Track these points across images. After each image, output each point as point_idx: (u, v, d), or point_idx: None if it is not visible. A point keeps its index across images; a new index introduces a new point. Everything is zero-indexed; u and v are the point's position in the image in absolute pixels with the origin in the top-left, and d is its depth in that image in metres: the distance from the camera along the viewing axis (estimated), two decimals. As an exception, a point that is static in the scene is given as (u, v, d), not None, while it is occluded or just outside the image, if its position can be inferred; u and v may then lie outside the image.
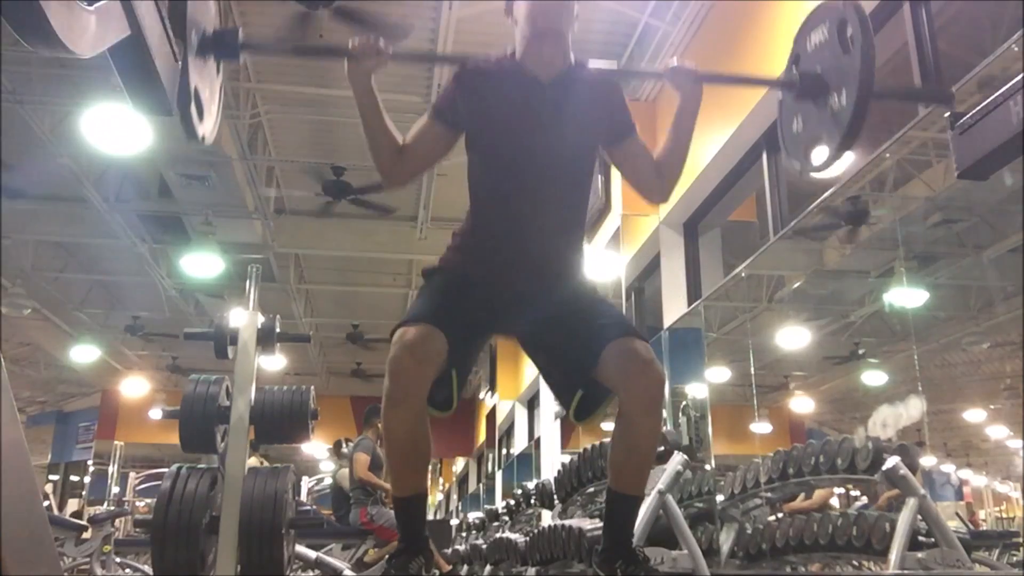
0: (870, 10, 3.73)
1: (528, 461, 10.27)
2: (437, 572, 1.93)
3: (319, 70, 6.47)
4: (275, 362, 9.85)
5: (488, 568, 5.97)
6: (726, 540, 4.18)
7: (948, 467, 12.58)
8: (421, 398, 1.74)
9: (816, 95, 1.83)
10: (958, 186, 4.31)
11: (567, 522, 4.15)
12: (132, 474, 11.96)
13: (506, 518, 7.22)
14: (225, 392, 3.11)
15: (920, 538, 3.13)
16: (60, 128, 6.73)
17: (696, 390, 5.03)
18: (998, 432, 12.30)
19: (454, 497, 19.54)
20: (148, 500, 10.92)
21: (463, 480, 18.71)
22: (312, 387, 3.35)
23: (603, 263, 6.31)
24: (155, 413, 13.27)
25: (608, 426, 1.95)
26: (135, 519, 8.48)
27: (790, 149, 2.00)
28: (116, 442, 12.19)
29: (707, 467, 4.60)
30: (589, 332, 1.85)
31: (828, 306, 8.07)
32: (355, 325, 12.24)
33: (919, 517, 3.06)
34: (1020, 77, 1.54)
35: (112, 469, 11.76)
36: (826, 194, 4.02)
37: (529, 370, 10.21)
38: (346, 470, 6.28)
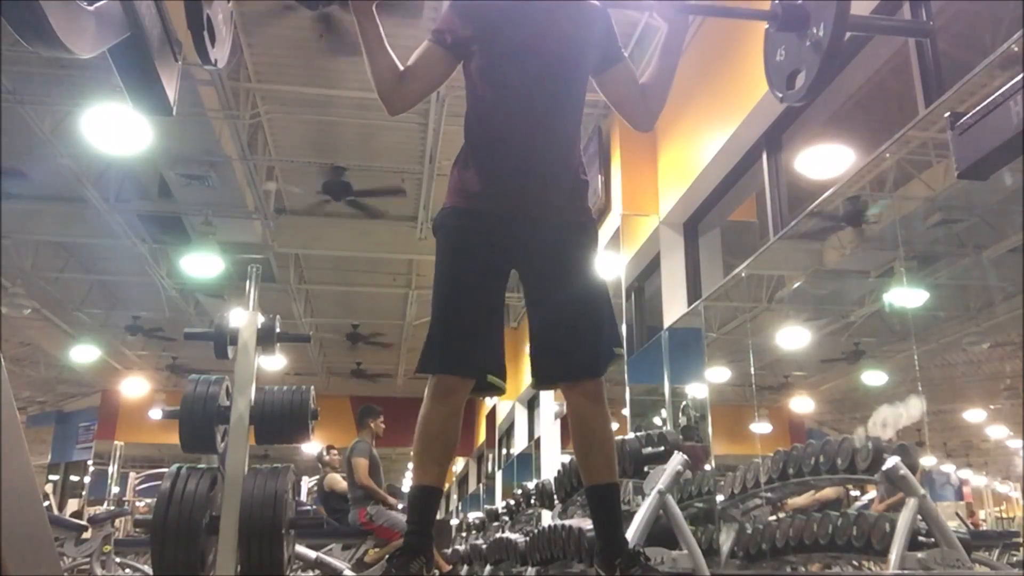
0: (870, 10, 3.74)
1: (528, 461, 10.27)
2: (437, 572, 1.95)
3: (319, 70, 6.47)
4: (275, 362, 9.86)
5: (488, 568, 5.97)
6: (726, 540, 4.18)
7: (948, 467, 12.57)
8: (463, 395, 1.88)
9: (797, 26, 1.90)
10: (958, 186, 4.31)
11: (567, 522, 4.14)
12: (132, 474, 11.97)
13: (506, 518, 7.22)
14: (225, 392, 3.11)
15: (920, 538, 3.13)
16: (60, 128, 6.73)
17: (696, 390, 5.03)
18: (998, 432, 12.29)
19: (454, 497, 19.53)
20: (148, 500, 10.93)
21: (463, 480, 18.71)
22: (312, 387, 3.35)
23: (603, 263, 6.31)
24: (155, 413, 13.27)
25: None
26: (135, 519, 8.49)
27: (774, 79, 2.05)
28: (116, 442, 12.20)
29: (705, 467, 4.60)
30: (571, 343, 1.94)
31: (828, 306, 8.06)
32: (355, 325, 12.24)
33: (919, 517, 3.06)
34: (1020, 77, 1.54)
35: (112, 469, 11.77)
36: (826, 194, 4.02)
37: (529, 370, 10.20)
38: (334, 475, 6.29)
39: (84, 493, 14.44)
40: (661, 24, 2.06)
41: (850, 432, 4.43)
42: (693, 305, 5.35)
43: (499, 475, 12.69)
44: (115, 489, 11.59)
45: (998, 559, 5.14)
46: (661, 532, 3.56)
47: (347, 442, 6.17)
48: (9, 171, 7.18)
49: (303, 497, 10.11)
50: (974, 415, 11.80)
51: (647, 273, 6.58)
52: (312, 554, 4.96)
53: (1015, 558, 5.07)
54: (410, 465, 12.70)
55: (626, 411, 5.88)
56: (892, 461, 3.14)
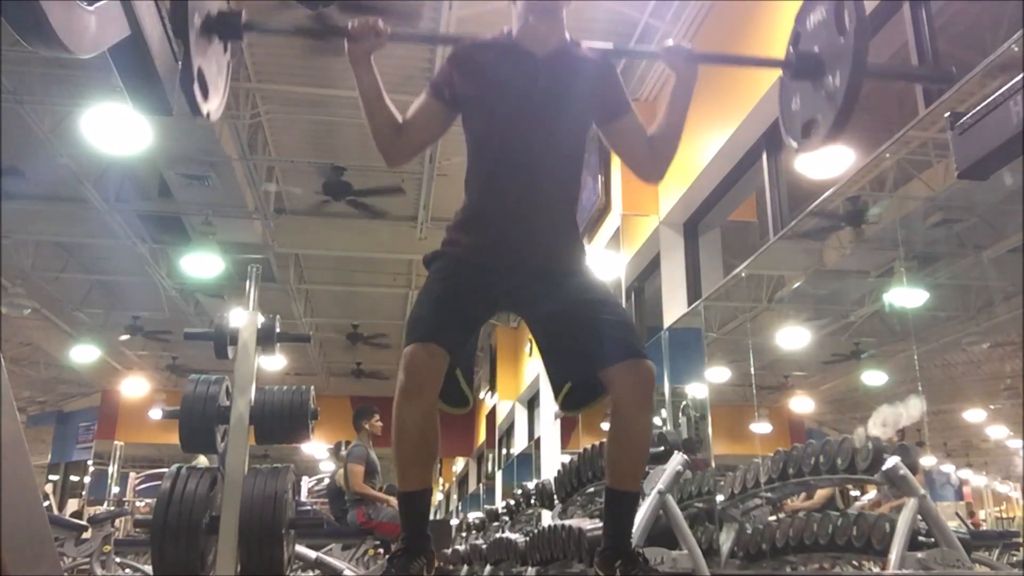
0: (870, 10, 3.73)
1: (528, 461, 10.27)
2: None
3: (319, 70, 6.47)
4: (275, 362, 9.85)
5: (488, 568, 5.96)
6: (726, 540, 4.18)
7: (948, 467, 12.56)
8: (434, 392, 1.79)
9: (812, 75, 1.86)
10: (958, 186, 4.31)
11: (567, 522, 4.14)
12: (132, 474, 11.97)
13: (506, 518, 7.22)
14: (225, 392, 3.11)
15: (920, 538, 3.13)
16: (60, 128, 6.73)
17: (696, 390, 5.03)
18: (998, 432, 12.29)
19: (454, 497, 19.53)
20: (148, 500, 10.93)
21: (463, 480, 18.71)
22: (312, 387, 3.35)
23: (603, 263, 6.31)
24: (155, 413, 13.27)
25: (607, 426, 1.95)
26: (135, 519, 8.48)
27: (788, 127, 2.03)
28: (116, 442, 12.21)
29: (709, 467, 4.60)
30: (596, 342, 1.85)
31: (828, 306, 8.07)
32: (355, 325, 12.24)
33: (919, 517, 3.06)
34: (1020, 77, 1.54)
35: (112, 469, 11.77)
36: (826, 194, 4.02)
37: (529, 370, 10.21)
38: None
39: (84, 493, 14.44)
40: (670, 72, 2.02)
41: (850, 432, 4.43)
42: (693, 305, 5.35)
43: (499, 475, 12.68)
44: (115, 489, 11.60)
45: (998, 559, 5.14)
46: (661, 532, 3.56)
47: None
48: (9, 170, 7.18)
49: (303, 497, 10.10)
50: (974, 415, 11.80)
51: (647, 273, 6.58)
52: (312, 554, 4.96)
53: (1015, 558, 5.07)
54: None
55: (626, 411, 5.87)
56: (892, 461, 3.14)
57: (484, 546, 6.45)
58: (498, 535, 6.30)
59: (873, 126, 4.97)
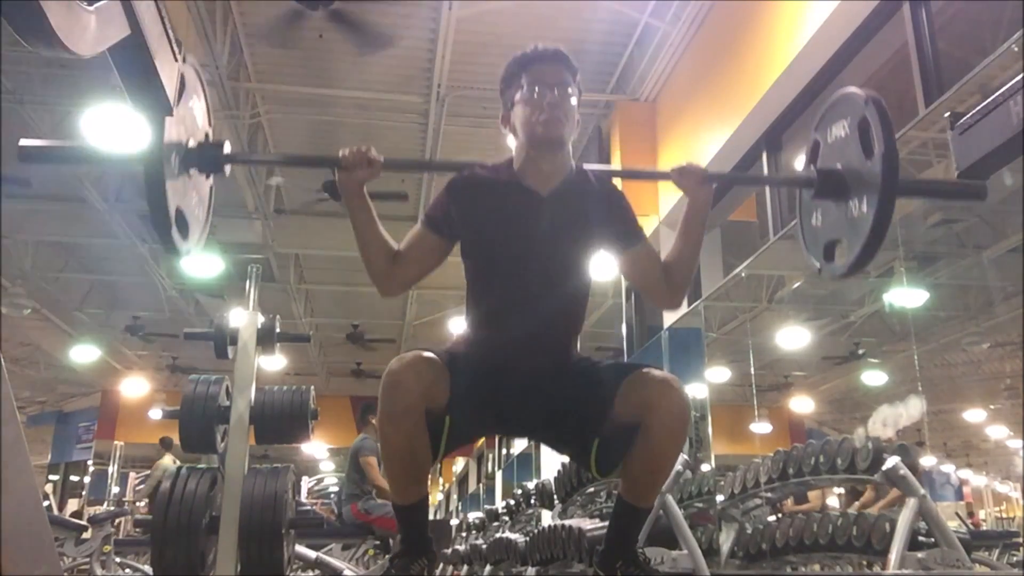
0: (870, 10, 3.74)
1: (528, 461, 10.27)
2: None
3: (319, 70, 6.47)
4: (275, 362, 9.84)
5: (488, 568, 5.96)
6: (726, 540, 4.18)
7: (948, 467, 12.58)
8: (419, 411, 1.70)
9: (836, 195, 1.77)
10: (958, 186, 4.30)
11: (567, 522, 4.14)
12: (132, 474, 11.96)
13: (506, 518, 7.22)
14: (225, 392, 3.11)
15: (920, 538, 3.13)
16: (60, 128, 6.73)
17: (696, 390, 5.03)
18: (998, 432, 12.30)
19: (454, 497, 19.54)
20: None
21: (463, 480, 18.73)
22: (312, 387, 3.35)
23: (603, 263, 6.31)
24: (155, 413, 13.27)
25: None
26: (135, 519, 8.49)
27: (809, 245, 1.93)
28: (116, 442, 12.19)
29: (705, 467, 4.60)
30: (599, 381, 1.82)
31: (828, 306, 8.07)
32: (355, 325, 12.24)
33: (919, 517, 3.06)
34: (1020, 77, 1.54)
35: (112, 469, 11.76)
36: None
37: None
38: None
39: (84, 493, 14.44)
40: (683, 195, 1.92)
41: (850, 432, 4.43)
42: (693, 305, 5.35)
43: (499, 475, 12.69)
44: (115, 489, 11.59)
45: (998, 559, 5.14)
46: (661, 532, 3.56)
47: (345, 442, 6.13)
48: (15, 179, 7.18)
49: (303, 497, 10.11)
50: (974, 415, 11.81)
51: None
52: (312, 554, 4.96)
53: (1015, 558, 5.07)
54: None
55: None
56: (892, 461, 3.14)
57: (484, 546, 6.45)
58: (498, 535, 6.30)
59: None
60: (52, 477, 15.60)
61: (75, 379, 14.64)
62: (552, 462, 8.40)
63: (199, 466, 2.88)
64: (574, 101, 1.85)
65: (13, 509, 1.00)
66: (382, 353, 13.13)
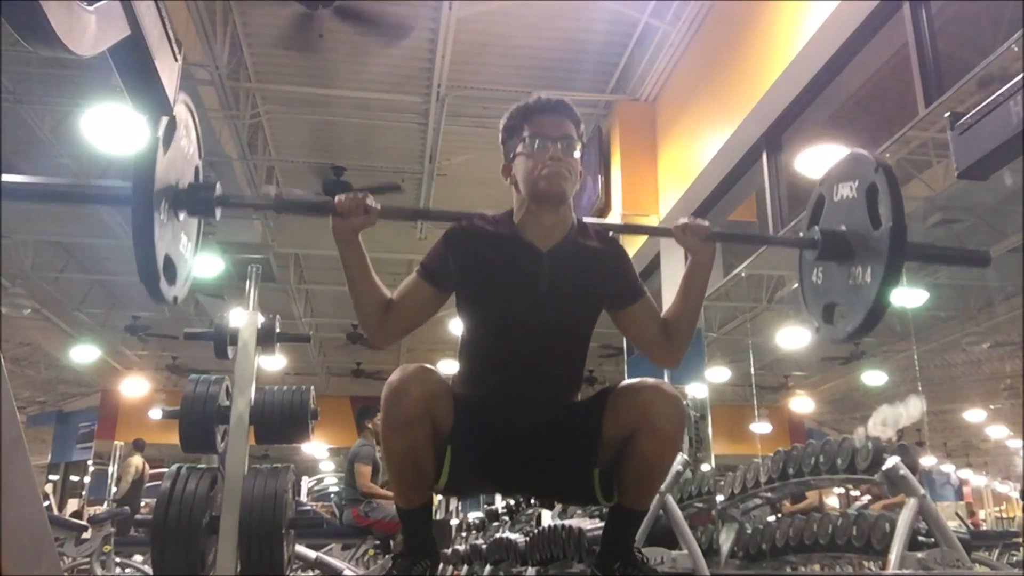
0: (870, 10, 3.74)
1: (528, 461, 10.26)
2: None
3: (319, 70, 6.47)
4: (275, 362, 9.85)
5: (488, 568, 5.96)
6: (726, 540, 4.17)
7: (948, 467, 12.57)
8: (422, 420, 1.68)
9: (839, 259, 1.75)
10: (958, 186, 4.31)
11: (567, 522, 4.14)
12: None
13: (506, 518, 7.22)
14: (225, 392, 3.12)
15: (920, 538, 3.13)
16: (60, 128, 6.73)
17: (696, 390, 5.03)
18: (998, 432, 12.29)
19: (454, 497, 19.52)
20: (148, 500, 10.92)
21: (463, 480, 18.68)
22: (312, 387, 3.35)
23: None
24: (155, 413, 13.27)
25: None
26: (135, 519, 8.48)
27: (808, 302, 1.90)
28: (116, 442, 12.20)
29: (705, 467, 4.59)
30: (583, 413, 1.81)
31: (828, 306, 8.06)
32: (355, 325, 12.23)
33: (919, 517, 3.06)
34: (1020, 77, 1.54)
35: (112, 469, 11.77)
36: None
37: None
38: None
39: (84, 493, 14.44)
40: (685, 250, 1.88)
41: (850, 432, 4.43)
42: (693, 305, 5.35)
43: (499, 475, 12.66)
44: (115, 489, 11.59)
45: (998, 559, 5.14)
46: (661, 532, 3.56)
47: (345, 442, 6.13)
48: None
49: (303, 497, 10.11)
50: (974, 415, 11.81)
51: (647, 273, 6.57)
52: (312, 554, 4.96)
53: (1015, 558, 5.07)
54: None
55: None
56: (892, 461, 3.14)
57: (484, 546, 6.45)
58: (498, 535, 6.30)
59: (873, 126, 4.97)
60: (52, 477, 15.60)
61: (75, 379, 14.64)
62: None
63: (199, 466, 2.88)
64: (577, 154, 1.81)
65: (13, 509, 1.00)
66: (382, 353, 13.13)
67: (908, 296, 5.43)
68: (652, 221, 6.01)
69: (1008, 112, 1.56)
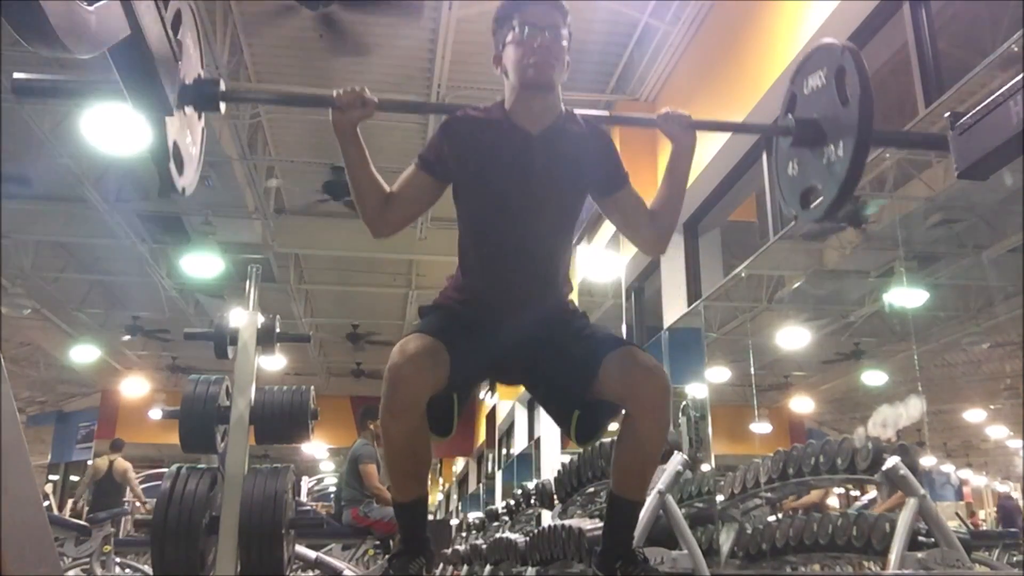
0: (870, 10, 3.74)
1: (528, 461, 10.27)
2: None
3: (319, 70, 6.47)
4: (275, 362, 9.85)
5: (488, 568, 5.96)
6: (726, 540, 4.18)
7: (948, 467, 12.56)
8: (420, 408, 1.71)
9: (812, 143, 1.81)
10: (958, 186, 4.31)
11: (567, 522, 4.14)
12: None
13: (506, 518, 7.23)
14: (225, 392, 3.11)
15: (920, 538, 3.13)
16: (60, 128, 6.73)
17: (696, 390, 5.03)
18: (998, 432, 12.29)
19: (454, 497, 19.53)
20: (148, 500, 10.91)
21: (463, 480, 18.71)
22: (312, 387, 3.35)
23: (603, 263, 6.31)
24: (155, 413, 13.27)
25: (612, 425, 1.95)
26: (135, 519, 8.47)
27: (785, 193, 1.97)
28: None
29: (705, 467, 4.60)
30: (584, 350, 1.84)
31: (828, 306, 8.07)
32: (355, 325, 12.24)
33: (919, 517, 3.06)
34: (1020, 77, 1.54)
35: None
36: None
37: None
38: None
39: (85, 494, 14.43)
40: (668, 141, 1.95)
41: (850, 432, 4.43)
42: (693, 305, 5.35)
43: (499, 475, 12.69)
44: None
45: (998, 559, 5.14)
46: (661, 532, 3.56)
47: (345, 442, 6.12)
48: (15, 177, 7.19)
49: (303, 497, 10.11)
50: (974, 415, 11.80)
51: (647, 273, 6.58)
52: (312, 554, 4.96)
53: (1015, 558, 5.07)
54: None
55: (626, 411, 5.87)
56: (892, 461, 3.14)
57: (484, 546, 6.45)
58: (498, 535, 6.30)
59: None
60: (52, 477, 15.60)
61: (75, 379, 14.64)
62: (552, 462, 8.40)
63: (199, 466, 2.88)
64: (565, 43, 1.88)
65: (13, 509, 1.00)
66: (382, 353, 13.13)
67: (908, 296, 5.43)
68: (652, 221, 6.01)
69: (1008, 112, 1.56)
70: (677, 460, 3.74)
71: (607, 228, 6.49)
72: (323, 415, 3.45)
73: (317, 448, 16.69)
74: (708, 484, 4.39)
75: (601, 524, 2.07)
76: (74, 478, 15.86)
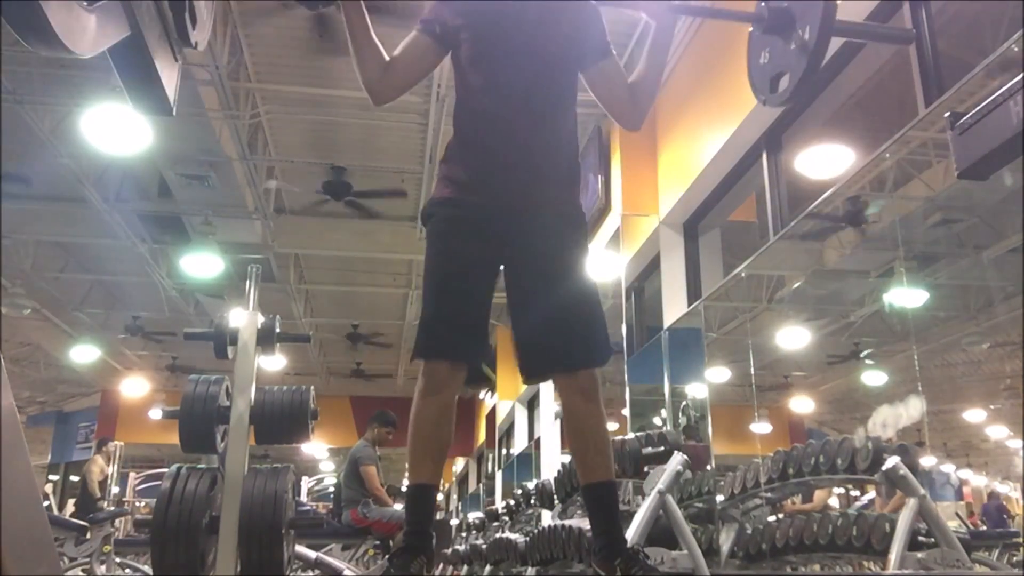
0: (870, 10, 3.74)
1: (528, 461, 10.27)
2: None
3: (319, 70, 6.48)
4: (275, 362, 9.85)
5: (488, 568, 5.96)
6: (726, 540, 4.18)
7: (948, 467, 12.56)
8: (453, 391, 1.88)
9: (783, 29, 1.91)
10: (958, 186, 4.31)
11: (567, 522, 4.14)
12: (132, 474, 11.97)
13: (506, 518, 7.22)
14: (225, 392, 3.11)
15: (920, 538, 3.13)
16: (60, 128, 6.73)
17: (696, 390, 5.03)
18: (998, 432, 12.29)
19: (454, 497, 19.53)
20: (148, 500, 10.93)
21: (463, 480, 18.72)
22: (312, 387, 3.34)
23: (603, 263, 6.31)
24: (155, 413, 13.28)
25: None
26: (135, 519, 8.48)
27: (757, 82, 2.07)
28: (116, 442, 12.18)
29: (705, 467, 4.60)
30: (556, 333, 1.92)
31: (828, 306, 8.07)
32: (355, 325, 12.25)
33: (919, 517, 3.06)
34: (1020, 77, 1.54)
35: (112, 469, 11.76)
36: (826, 194, 4.02)
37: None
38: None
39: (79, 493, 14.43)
40: (650, 21, 2.06)
41: (850, 432, 4.43)
42: (693, 305, 5.35)
43: (499, 475, 12.69)
44: (115, 489, 11.59)
45: (998, 559, 5.14)
46: (661, 532, 3.56)
47: (345, 442, 6.12)
48: (15, 176, 7.18)
49: (303, 497, 10.11)
50: (974, 415, 11.80)
51: (647, 273, 6.58)
52: (312, 554, 4.96)
53: (1015, 558, 5.07)
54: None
55: (626, 411, 5.88)
56: (892, 461, 3.14)
57: (484, 546, 6.45)
58: (498, 535, 6.30)
59: (873, 126, 4.97)
60: (52, 477, 15.60)
61: (75, 379, 14.64)
62: (552, 462, 8.41)
63: (199, 466, 2.88)
64: None
65: (13, 509, 0.99)
66: (382, 353, 13.14)
67: (908, 296, 5.43)
68: (652, 221, 6.01)
69: (1008, 112, 1.56)
70: (677, 460, 3.74)
71: (607, 228, 6.49)
72: (323, 415, 3.45)
73: (317, 448, 16.70)
74: (708, 484, 4.39)
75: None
76: (74, 478, 15.87)
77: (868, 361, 9.01)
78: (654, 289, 6.30)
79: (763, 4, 2.00)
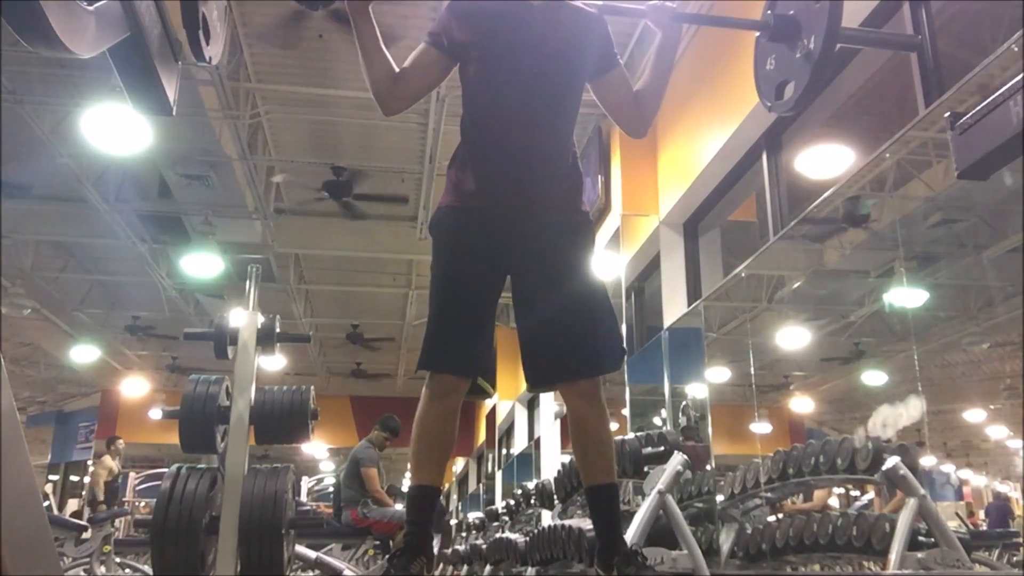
0: (870, 10, 3.74)
1: (528, 461, 10.26)
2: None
3: (319, 70, 6.47)
4: (275, 362, 9.85)
5: (488, 568, 5.96)
6: (726, 540, 4.18)
7: (948, 467, 12.57)
8: (458, 397, 1.91)
9: (789, 37, 1.94)
10: (958, 186, 4.31)
11: (567, 522, 4.14)
12: (132, 474, 11.97)
13: (506, 518, 7.22)
14: (225, 392, 3.11)
15: (920, 538, 3.13)
16: (60, 128, 6.73)
17: (696, 390, 5.03)
18: (998, 432, 12.29)
19: (454, 497, 19.52)
20: (148, 500, 10.93)
21: (463, 480, 18.71)
22: (312, 387, 3.34)
23: (603, 263, 6.31)
24: (155, 413, 13.28)
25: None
26: (135, 519, 8.49)
27: (763, 88, 2.07)
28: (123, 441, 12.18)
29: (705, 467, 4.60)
30: (564, 339, 1.93)
31: (828, 306, 8.06)
32: (355, 325, 12.24)
33: (919, 517, 3.06)
34: (1020, 77, 1.54)
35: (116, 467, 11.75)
36: (826, 194, 4.02)
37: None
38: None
39: (84, 493, 14.43)
40: (655, 30, 2.09)
41: (850, 432, 4.43)
42: (693, 305, 5.35)
43: (499, 475, 12.68)
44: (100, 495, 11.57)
45: (998, 559, 5.15)
46: (661, 532, 3.56)
47: (345, 442, 6.11)
48: (15, 185, 7.20)
49: (303, 497, 10.11)
50: (974, 415, 11.81)
51: (647, 273, 6.58)
52: (312, 554, 4.96)
53: (1015, 558, 5.07)
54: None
55: (626, 411, 5.88)
56: (892, 461, 3.14)
57: (484, 546, 6.45)
58: (498, 535, 6.30)
59: (873, 126, 4.97)
60: (52, 477, 15.60)
61: (75, 379, 14.64)
62: (552, 462, 8.40)
63: (199, 466, 2.88)
64: None
65: (13, 509, 0.99)
66: (382, 353, 13.13)
67: (908, 296, 5.43)
68: (652, 221, 6.01)
69: (1008, 112, 1.56)
70: (677, 460, 3.74)
71: (607, 228, 6.49)
72: (323, 415, 3.45)
73: (317, 448, 16.69)
74: (708, 484, 4.39)
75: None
76: (74, 478, 15.87)
77: (868, 361, 9.01)
78: (654, 289, 6.30)
79: (769, 12, 2.02)
